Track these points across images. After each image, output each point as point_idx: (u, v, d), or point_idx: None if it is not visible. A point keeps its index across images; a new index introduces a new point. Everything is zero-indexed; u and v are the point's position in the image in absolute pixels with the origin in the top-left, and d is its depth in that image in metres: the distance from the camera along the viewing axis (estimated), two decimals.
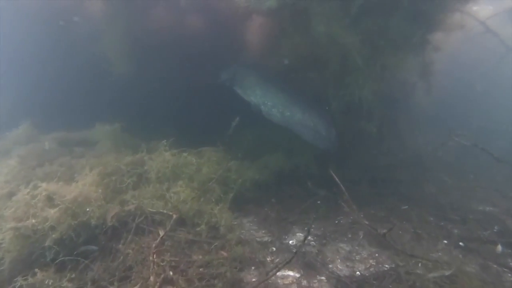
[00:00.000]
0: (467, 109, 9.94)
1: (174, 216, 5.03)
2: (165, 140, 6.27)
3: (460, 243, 5.54)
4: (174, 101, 8.85)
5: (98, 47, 8.76)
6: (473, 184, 7.90)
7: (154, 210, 5.41)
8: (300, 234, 5.71)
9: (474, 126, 9.29)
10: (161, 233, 5.24)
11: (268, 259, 5.06)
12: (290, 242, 5.50)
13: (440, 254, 5.34)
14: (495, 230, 6.05)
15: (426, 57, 7.63)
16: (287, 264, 4.44)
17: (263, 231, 5.78)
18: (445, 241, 5.66)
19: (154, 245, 4.74)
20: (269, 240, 5.47)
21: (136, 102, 8.86)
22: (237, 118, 6.54)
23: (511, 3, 8.98)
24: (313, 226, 5.94)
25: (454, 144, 8.59)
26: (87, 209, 5.04)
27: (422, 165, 8.43)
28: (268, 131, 8.08)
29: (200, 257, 4.83)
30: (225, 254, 4.94)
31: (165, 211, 5.26)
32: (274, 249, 5.28)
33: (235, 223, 5.84)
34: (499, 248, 5.45)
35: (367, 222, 5.48)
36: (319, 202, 6.64)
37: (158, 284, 4.27)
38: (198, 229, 5.32)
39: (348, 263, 5.08)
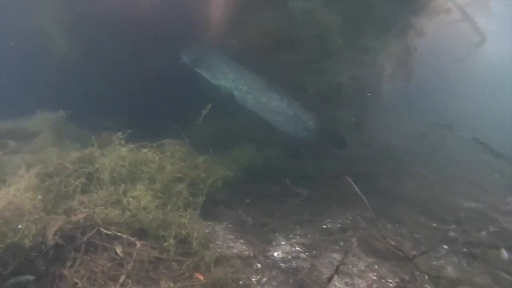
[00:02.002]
0: (437, 97, 9.39)
1: (138, 244, 3.81)
2: (120, 132, 4.96)
3: (464, 249, 4.78)
4: (128, 85, 7.44)
5: (35, 21, 7.12)
6: (453, 178, 7.26)
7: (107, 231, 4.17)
8: (285, 243, 4.69)
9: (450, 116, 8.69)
10: (119, 250, 4.06)
11: (253, 279, 4.00)
12: (276, 254, 4.46)
13: (443, 262, 4.56)
14: (491, 231, 5.37)
15: (409, 42, 6.81)
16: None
17: (242, 241, 4.68)
18: (446, 246, 4.88)
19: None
20: (251, 254, 4.40)
21: (84, 85, 7.36)
22: (208, 106, 5.34)
23: None
24: (298, 232, 4.95)
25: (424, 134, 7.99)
26: (19, 226, 3.72)
27: (397, 156, 7.69)
28: (236, 118, 6.94)
29: (172, 285, 3.68)
30: (201, 277, 3.82)
31: (123, 235, 3.99)
32: (259, 266, 4.22)
33: (207, 231, 4.74)
34: (504, 253, 4.74)
35: (393, 243, 4.43)
36: (300, 202, 5.65)
37: None
38: (165, 244, 4.15)
39: (346, 280, 4.13)
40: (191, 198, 4.82)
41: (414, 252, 4.19)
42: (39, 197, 4.31)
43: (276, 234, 4.85)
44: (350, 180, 4.37)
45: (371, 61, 6.58)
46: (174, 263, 4.05)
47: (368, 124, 7.55)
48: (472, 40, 8.61)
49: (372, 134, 7.79)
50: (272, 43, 6.35)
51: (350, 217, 5.47)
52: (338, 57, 6.19)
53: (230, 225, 5.03)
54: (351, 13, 6.05)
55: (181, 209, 4.60)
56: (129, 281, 3.67)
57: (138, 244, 3.84)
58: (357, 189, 4.40)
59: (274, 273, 4.10)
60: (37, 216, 3.91)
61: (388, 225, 5.38)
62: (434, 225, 5.52)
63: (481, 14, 8.12)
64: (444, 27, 8.07)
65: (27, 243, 3.65)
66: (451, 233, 5.19)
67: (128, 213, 4.35)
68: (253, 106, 6.05)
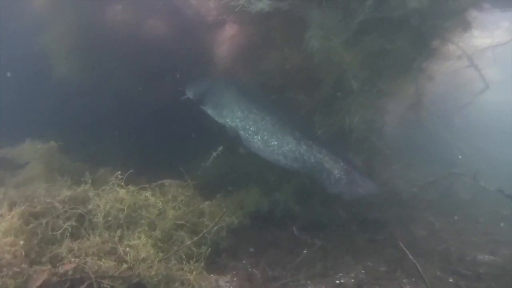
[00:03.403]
0: (443, 143, 9.06)
1: None
2: (119, 172, 4.34)
3: None
4: (127, 117, 6.87)
5: (37, 42, 6.58)
6: (461, 226, 6.79)
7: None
8: None
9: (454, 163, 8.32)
10: None
11: None
12: None
13: None
14: None
15: (420, 86, 6.47)
16: None
17: None
18: None
19: None
20: None
21: (80, 115, 6.76)
22: (220, 148, 4.78)
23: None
24: None
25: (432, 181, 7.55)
26: None
27: (404, 203, 7.19)
28: (239, 158, 6.39)
29: None
30: None
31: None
32: None
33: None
34: None
35: None
36: (311, 253, 5.04)
37: None
38: None
39: None
40: (194, 248, 4.21)
41: None
42: (21, 242, 3.68)
43: None
44: (401, 244, 3.81)
45: (384, 104, 6.20)
46: None
47: (376, 169, 7.07)
48: (474, 87, 8.42)
49: (379, 180, 7.29)
50: (284, 82, 5.92)
51: (363, 271, 4.88)
52: (351, 99, 5.79)
53: (235, 279, 4.38)
54: (367, 55, 5.71)
55: (184, 261, 3.99)
56: None
57: None
58: (411, 257, 3.83)
59: None
60: (17, 269, 3.25)
61: (404, 280, 4.80)
62: (451, 280, 4.98)
63: (483, 61, 7.97)
64: (447, 73, 7.84)
65: None
66: None
67: (125, 265, 3.72)
68: (257, 149, 5.46)
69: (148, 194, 4.26)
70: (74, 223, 4.12)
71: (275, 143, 5.32)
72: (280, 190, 5.99)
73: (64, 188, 4.58)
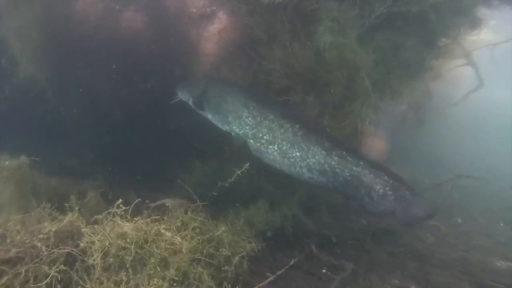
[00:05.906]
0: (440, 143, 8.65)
1: None
2: (120, 200, 3.33)
3: None
4: (104, 123, 5.74)
5: None
6: (465, 229, 6.34)
7: None
8: None
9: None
10: None
11: None
12: None
13: None
14: None
15: (427, 85, 5.90)
16: None
17: None
18: None
19: None
20: None
21: (53, 121, 5.56)
22: (246, 165, 3.88)
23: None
24: None
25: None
26: None
27: None
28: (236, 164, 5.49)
29: None
30: None
31: None
32: None
33: None
34: None
35: None
36: (337, 277, 4.28)
37: None
38: None
39: None
40: (215, 287, 3.33)
41: None
42: None
43: None
44: None
45: (397, 104, 5.58)
46: None
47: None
48: (468, 85, 8.07)
49: None
50: (291, 83, 5.08)
51: None
52: (363, 101, 5.09)
53: None
54: (380, 53, 5.01)
55: None
56: None
57: None
58: None
59: None
60: None
61: None
62: None
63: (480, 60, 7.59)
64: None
65: None
66: None
67: None
68: (273, 160, 4.60)
69: (162, 228, 3.29)
70: (63, 267, 3.12)
71: (298, 154, 4.45)
72: (285, 202, 5.20)
73: (45, 219, 3.52)
